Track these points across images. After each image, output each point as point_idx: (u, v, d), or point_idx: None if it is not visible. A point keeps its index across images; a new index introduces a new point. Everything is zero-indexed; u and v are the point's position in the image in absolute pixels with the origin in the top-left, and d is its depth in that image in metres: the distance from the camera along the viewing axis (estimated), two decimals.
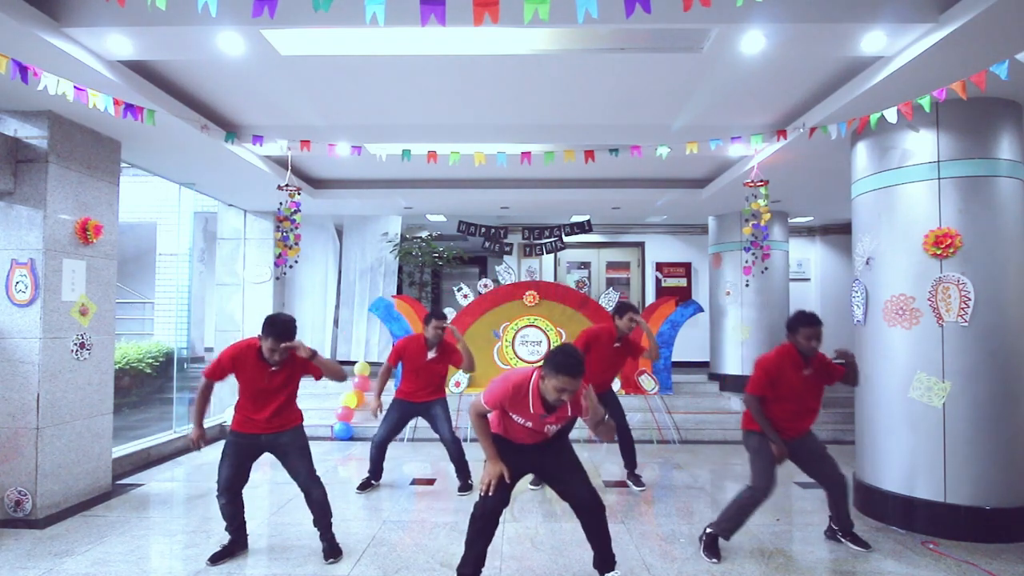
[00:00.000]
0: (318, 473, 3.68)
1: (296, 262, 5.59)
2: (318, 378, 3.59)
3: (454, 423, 5.09)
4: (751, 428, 3.74)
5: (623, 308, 4.87)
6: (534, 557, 3.67)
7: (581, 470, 3.12)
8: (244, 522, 3.65)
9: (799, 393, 3.64)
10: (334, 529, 3.67)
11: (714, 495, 4.92)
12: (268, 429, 3.54)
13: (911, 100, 3.70)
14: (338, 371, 3.57)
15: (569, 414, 2.95)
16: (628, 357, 5.05)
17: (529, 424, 2.96)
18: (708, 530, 3.71)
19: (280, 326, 3.40)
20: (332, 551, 3.59)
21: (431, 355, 4.84)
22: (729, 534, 3.69)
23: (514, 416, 2.95)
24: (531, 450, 3.09)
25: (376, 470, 5.05)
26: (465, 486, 4.92)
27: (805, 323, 3.60)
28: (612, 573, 3.18)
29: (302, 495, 4.79)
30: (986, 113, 4.05)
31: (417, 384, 4.89)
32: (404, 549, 3.76)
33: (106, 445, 4.90)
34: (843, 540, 3.84)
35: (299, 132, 5.20)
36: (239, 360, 3.47)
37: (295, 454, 3.59)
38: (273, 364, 3.46)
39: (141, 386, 8.12)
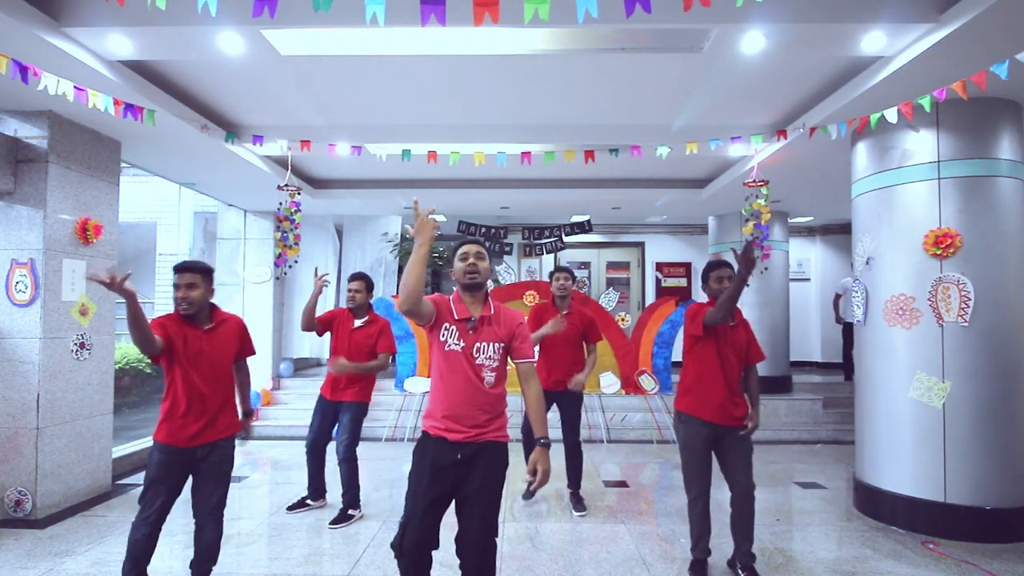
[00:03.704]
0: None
1: (296, 262, 5.59)
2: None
3: None
4: (678, 408, 3.42)
5: (551, 273, 4.75)
6: (534, 557, 3.67)
7: (493, 509, 2.51)
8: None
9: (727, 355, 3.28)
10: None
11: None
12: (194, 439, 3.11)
13: (911, 100, 3.70)
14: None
15: (499, 335, 2.58)
16: (584, 336, 4.71)
17: (461, 344, 2.54)
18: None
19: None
20: None
21: (357, 323, 4.36)
22: (695, 549, 3.42)
23: (445, 336, 2.55)
24: (455, 466, 2.49)
25: (315, 485, 4.43)
26: (348, 513, 4.26)
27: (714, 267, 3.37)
28: None
29: (302, 494, 4.76)
30: (986, 113, 4.05)
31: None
32: None
33: (106, 445, 4.90)
34: (739, 570, 3.32)
35: (299, 132, 5.20)
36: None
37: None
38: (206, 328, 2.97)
39: (141, 386, 8.12)
